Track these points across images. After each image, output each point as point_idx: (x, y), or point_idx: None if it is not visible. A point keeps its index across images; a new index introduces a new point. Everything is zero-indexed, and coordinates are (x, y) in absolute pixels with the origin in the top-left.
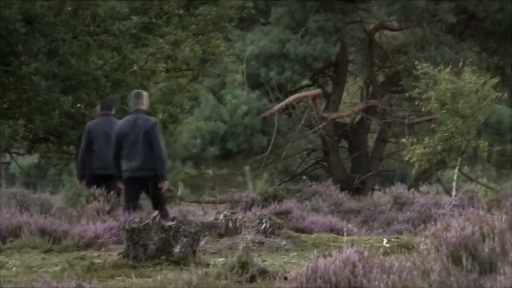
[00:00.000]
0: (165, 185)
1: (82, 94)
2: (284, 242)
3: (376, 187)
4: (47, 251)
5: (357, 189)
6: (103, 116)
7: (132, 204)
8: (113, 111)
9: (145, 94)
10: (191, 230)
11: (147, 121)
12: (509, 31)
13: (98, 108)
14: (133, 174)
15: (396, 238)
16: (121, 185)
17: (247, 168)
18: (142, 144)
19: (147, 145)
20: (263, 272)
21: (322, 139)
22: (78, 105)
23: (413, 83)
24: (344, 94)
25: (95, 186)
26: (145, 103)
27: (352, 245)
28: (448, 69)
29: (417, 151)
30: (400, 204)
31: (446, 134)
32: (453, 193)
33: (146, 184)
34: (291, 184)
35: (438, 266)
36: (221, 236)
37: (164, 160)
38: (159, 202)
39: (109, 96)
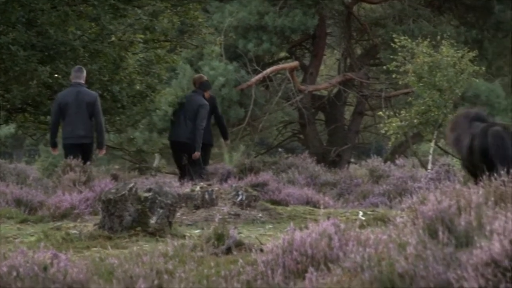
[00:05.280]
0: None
1: (60, 64)
2: (260, 214)
3: (352, 160)
4: (22, 221)
5: (333, 162)
6: (193, 92)
7: None
8: (205, 93)
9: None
10: (167, 201)
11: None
12: (488, 5)
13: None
14: None
15: (372, 211)
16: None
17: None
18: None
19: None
20: (239, 244)
21: (299, 112)
22: (56, 75)
23: (391, 56)
24: (322, 67)
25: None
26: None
27: (328, 217)
28: (426, 43)
29: (394, 124)
30: (376, 177)
31: (423, 108)
32: (429, 166)
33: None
34: (267, 156)
35: (414, 239)
36: (197, 207)
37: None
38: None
39: (205, 79)
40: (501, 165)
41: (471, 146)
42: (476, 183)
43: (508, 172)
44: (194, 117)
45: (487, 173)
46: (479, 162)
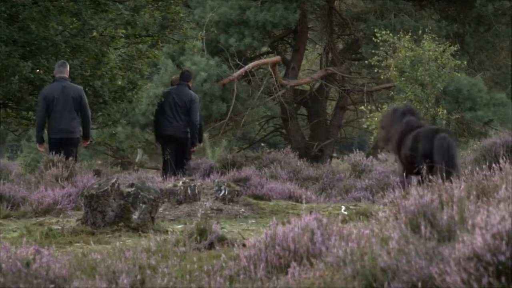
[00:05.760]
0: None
1: (41, 59)
2: (242, 209)
3: (335, 154)
4: (5, 217)
5: (315, 157)
6: (177, 85)
7: None
8: (189, 83)
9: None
10: (149, 196)
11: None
12: None
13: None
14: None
15: (355, 205)
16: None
17: (205, 135)
18: None
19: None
20: (222, 239)
21: (281, 106)
22: (38, 70)
23: (373, 51)
24: (304, 61)
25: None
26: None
27: (311, 212)
28: (407, 37)
29: (376, 118)
30: (358, 171)
31: (405, 102)
32: None
33: None
34: (249, 151)
35: (397, 233)
36: (179, 203)
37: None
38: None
39: (187, 69)
40: (445, 167)
41: (415, 148)
42: (410, 178)
43: (449, 176)
44: (186, 111)
45: (427, 173)
46: (420, 163)
